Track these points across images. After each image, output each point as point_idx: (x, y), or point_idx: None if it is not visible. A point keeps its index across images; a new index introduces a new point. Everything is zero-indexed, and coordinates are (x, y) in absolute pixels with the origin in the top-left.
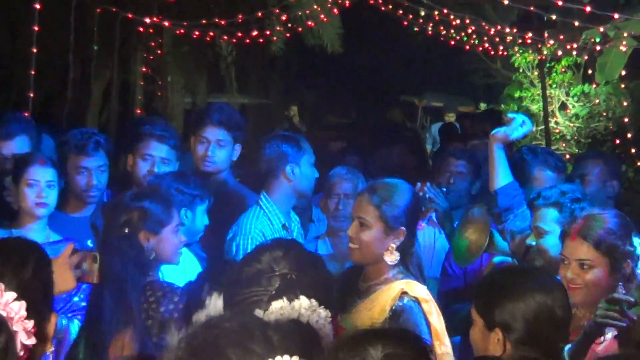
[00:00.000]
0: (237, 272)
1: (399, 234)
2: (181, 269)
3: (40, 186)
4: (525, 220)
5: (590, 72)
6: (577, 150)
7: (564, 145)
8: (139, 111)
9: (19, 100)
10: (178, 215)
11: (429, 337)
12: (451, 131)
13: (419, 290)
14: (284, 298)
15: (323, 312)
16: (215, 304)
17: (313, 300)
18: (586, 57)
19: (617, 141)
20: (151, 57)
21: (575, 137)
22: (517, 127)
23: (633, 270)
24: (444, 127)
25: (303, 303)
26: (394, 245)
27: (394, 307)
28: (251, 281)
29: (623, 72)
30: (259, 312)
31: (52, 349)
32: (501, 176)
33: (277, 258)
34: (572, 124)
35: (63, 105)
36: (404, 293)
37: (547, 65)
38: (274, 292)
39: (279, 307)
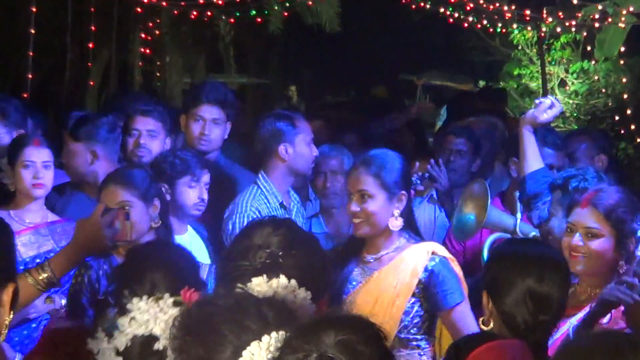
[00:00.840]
0: (231, 247)
1: (401, 199)
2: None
3: (36, 167)
4: None
5: (589, 48)
6: (576, 127)
7: (563, 122)
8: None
9: (17, 81)
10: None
11: (464, 293)
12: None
13: (445, 250)
14: (264, 275)
15: (302, 293)
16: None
17: (293, 281)
18: (585, 34)
19: (617, 118)
20: (149, 38)
21: (575, 114)
22: (546, 109)
23: (633, 251)
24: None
25: (281, 282)
26: (397, 211)
27: (429, 267)
28: (239, 256)
29: (622, 49)
30: (240, 287)
31: (9, 318)
32: (531, 161)
33: (267, 234)
34: (571, 101)
35: (61, 87)
36: (434, 253)
37: (546, 42)
38: (257, 267)
39: (256, 283)
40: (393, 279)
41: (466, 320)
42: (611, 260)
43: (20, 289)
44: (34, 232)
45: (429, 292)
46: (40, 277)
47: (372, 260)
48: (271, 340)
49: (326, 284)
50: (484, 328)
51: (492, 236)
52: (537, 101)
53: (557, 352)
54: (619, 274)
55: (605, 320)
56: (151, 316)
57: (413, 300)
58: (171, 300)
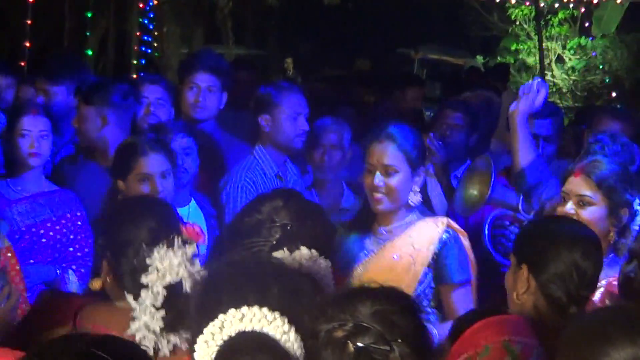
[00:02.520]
0: (238, 222)
1: (420, 174)
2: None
3: (32, 136)
4: (553, 188)
5: (587, 25)
6: (573, 103)
7: (560, 98)
8: (134, 62)
9: (14, 49)
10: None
11: (471, 270)
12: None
13: (457, 225)
14: (285, 249)
15: (323, 262)
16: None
17: (313, 251)
18: (583, 10)
19: (613, 94)
20: (147, 7)
21: (572, 90)
22: (536, 94)
23: (628, 224)
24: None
25: (304, 253)
26: (417, 187)
27: (444, 238)
28: (251, 232)
29: (620, 25)
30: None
31: None
32: (527, 152)
33: (277, 208)
34: (568, 77)
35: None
36: (449, 225)
37: (544, 18)
38: (274, 242)
39: (280, 257)
40: (409, 247)
41: (466, 301)
42: (603, 229)
43: None
44: (31, 201)
45: (440, 263)
46: None
47: (384, 232)
48: (248, 313)
49: (335, 252)
50: (517, 302)
51: (493, 213)
52: (522, 91)
53: (570, 326)
54: (609, 244)
55: (595, 297)
56: (172, 261)
57: (427, 269)
58: (179, 240)
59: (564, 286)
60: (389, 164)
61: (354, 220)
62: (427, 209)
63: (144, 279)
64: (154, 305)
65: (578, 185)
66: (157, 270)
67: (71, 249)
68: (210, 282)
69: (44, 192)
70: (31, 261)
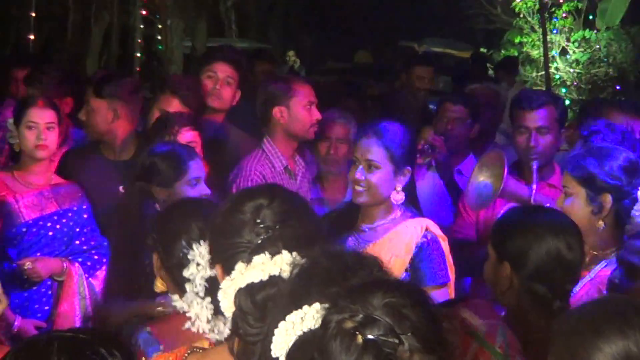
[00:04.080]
0: (222, 221)
1: (405, 173)
2: None
3: (39, 128)
4: None
5: (591, 17)
6: (577, 96)
7: (564, 90)
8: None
9: (18, 42)
10: (192, 168)
11: (449, 273)
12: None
13: (436, 228)
14: (266, 252)
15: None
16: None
17: (295, 254)
18: (587, 3)
19: (618, 87)
20: (151, 1)
21: (576, 83)
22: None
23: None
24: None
25: (285, 258)
26: (400, 185)
27: (419, 243)
28: (234, 232)
29: (624, 18)
30: (241, 265)
31: None
32: None
33: (260, 207)
34: (572, 70)
35: (63, 48)
36: (427, 230)
37: (548, 10)
38: (256, 245)
39: (260, 262)
40: (387, 253)
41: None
42: (584, 219)
43: None
44: (38, 194)
45: (415, 267)
46: None
47: (366, 229)
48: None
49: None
50: (500, 297)
51: (505, 207)
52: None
53: (560, 321)
54: (597, 233)
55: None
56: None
57: (404, 275)
58: None
59: (548, 281)
60: (371, 159)
61: (338, 214)
62: (413, 207)
63: (186, 272)
64: (198, 295)
65: (563, 177)
66: (198, 264)
67: (77, 242)
68: (304, 271)
69: (51, 185)
70: (38, 254)
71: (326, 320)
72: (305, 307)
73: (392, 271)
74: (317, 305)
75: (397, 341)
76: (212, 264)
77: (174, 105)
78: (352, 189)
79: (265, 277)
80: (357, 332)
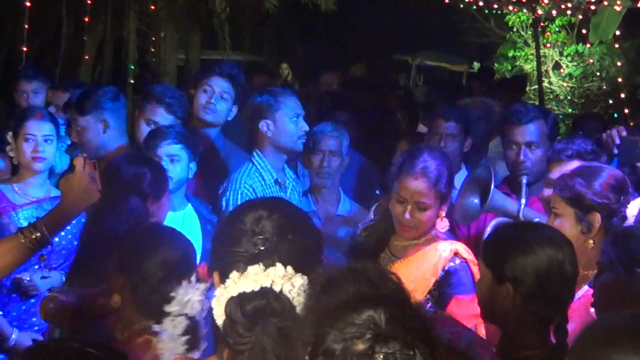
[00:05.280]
0: (223, 229)
1: (448, 201)
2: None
3: (36, 140)
4: None
5: (584, 31)
6: (570, 110)
7: (556, 105)
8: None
9: (11, 54)
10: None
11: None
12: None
13: (467, 252)
14: (260, 263)
15: (299, 280)
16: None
17: (289, 268)
18: (580, 17)
19: (610, 101)
20: (145, 13)
21: (569, 97)
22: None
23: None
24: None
25: (278, 271)
26: (443, 213)
27: (447, 268)
28: (233, 241)
29: (617, 32)
30: (235, 274)
31: None
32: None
33: (260, 219)
34: (565, 84)
35: (56, 60)
36: (456, 254)
37: (541, 24)
38: (252, 255)
39: (254, 272)
40: (412, 273)
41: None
42: (574, 237)
43: (13, 249)
44: (37, 207)
45: (441, 291)
46: (33, 236)
47: (399, 246)
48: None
49: (318, 257)
50: (497, 315)
51: (495, 220)
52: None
53: (582, 333)
54: (586, 252)
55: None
56: (193, 296)
57: (427, 296)
58: (195, 277)
59: (549, 297)
60: (423, 200)
61: (372, 229)
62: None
63: (168, 308)
64: (175, 331)
65: (551, 198)
66: (181, 302)
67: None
68: (327, 287)
69: (50, 197)
70: (36, 267)
71: (329, 349)
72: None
73: (411, 290)
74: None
75: (412, 353)
76: (211, 270)
77: (159, 114)
78: (398, 225)
79: (256, 288)
80: (373, 352)
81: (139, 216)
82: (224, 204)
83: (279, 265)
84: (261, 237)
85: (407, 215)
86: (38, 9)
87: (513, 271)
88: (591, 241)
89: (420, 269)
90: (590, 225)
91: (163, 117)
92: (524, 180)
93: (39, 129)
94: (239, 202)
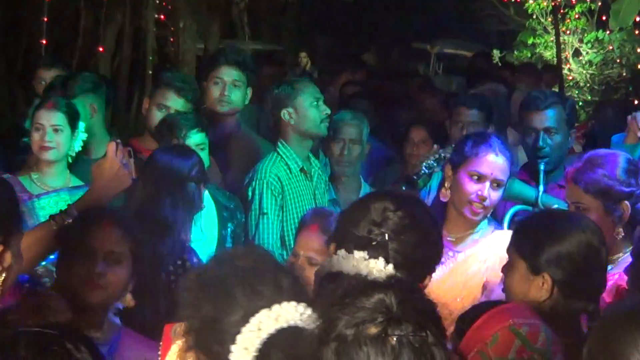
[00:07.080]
0: (351, 207)
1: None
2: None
3: (45, 130)
4: None
5: (604, 18)
6: (590, 97)
7: (577, 92)
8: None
9: (30, 46)
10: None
11: None
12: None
13: None
14: (366, 252)
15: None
16: None
17: (390, 266)
18: (600, 3)
19: (631, 88)
20: (163, 3)
21: (589, 84)
22: None
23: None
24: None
25: (378, 264)
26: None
27: None
28: (353, 222)
29: (637, 19)
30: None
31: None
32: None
33: (384, 211)
34: (585, 71)
35: (74, 52)
36: None
37: (561, 11)
38: (365, 241)
39: (358, 257)
40: (480, 264)
41: None
42: (604, 230)
43: (47, 236)
44: (55, 195)
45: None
46: (65, 223)
47: (453, 239)
48: (281, 310)
49: (430, 270)
50: (538, 300)
51: (513, 208)
52: None
53: (604, 314)
54: (616, 240)
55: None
56: None
57: (500, 284)
58: None
59: (585, 284)
60: (502, 179)
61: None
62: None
63: None
64: None
65: (570, 193)
66: None
67: None
68: (216, 282)
69: (69, 187)
70: (51, 257)
71: (341, 334)
72: (255, 317)
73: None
74: (265, 312)
75: (424, 334)
76: (328, 241)
77: (170, 98)
78: (468, 205)
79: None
80: (387, 335)
81: (195, 202)
82: (249, 193)
83: (380, 259)
84: (379, 227)
85: (487, 192)
86: (56, 1)
87: (551, 261)
88: (620, 229)
89: (489, 260)
90: (622, 214)
91: (174, 100)
92: (542, 167)
93: (47, 118)
94: (265, 192)
